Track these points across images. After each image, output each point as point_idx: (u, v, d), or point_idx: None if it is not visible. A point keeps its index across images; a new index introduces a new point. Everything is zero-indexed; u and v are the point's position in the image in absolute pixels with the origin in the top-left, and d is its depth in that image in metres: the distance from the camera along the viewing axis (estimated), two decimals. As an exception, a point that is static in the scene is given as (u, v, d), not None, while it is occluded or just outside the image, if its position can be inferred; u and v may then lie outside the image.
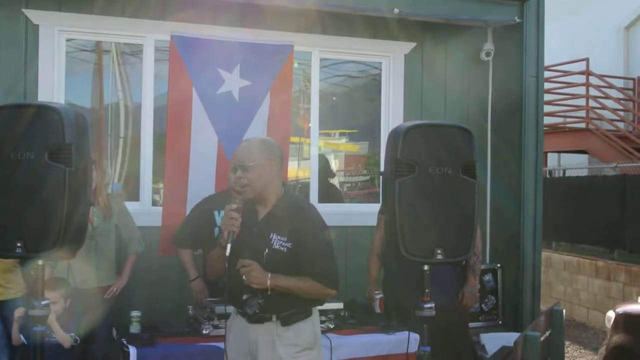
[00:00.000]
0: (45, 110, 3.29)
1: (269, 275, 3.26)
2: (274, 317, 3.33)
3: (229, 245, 3.23)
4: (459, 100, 6.31)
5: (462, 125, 3.63)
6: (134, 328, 4.12)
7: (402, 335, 4.25)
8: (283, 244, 3.33)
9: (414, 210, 3.55)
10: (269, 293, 3.27)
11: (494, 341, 5.56)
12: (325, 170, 6.63)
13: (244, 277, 3.26)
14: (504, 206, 6.29)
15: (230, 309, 3.53)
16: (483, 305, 6.20)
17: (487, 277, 6.23)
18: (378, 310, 4.80)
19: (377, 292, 4.86)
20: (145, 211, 5.38)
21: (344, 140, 7.69)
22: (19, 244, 3.25)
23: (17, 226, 3.25)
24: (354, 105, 6.98)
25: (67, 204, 3.23)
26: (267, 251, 3.34)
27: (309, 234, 3.35)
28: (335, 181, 7.19)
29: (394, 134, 3.63)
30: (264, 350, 3.34)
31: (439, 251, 3.57)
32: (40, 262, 3.39)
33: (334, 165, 7.52)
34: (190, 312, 4.40)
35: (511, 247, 6.18)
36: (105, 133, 5.85)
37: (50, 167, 3.23)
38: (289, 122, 5.55)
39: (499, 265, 6.26)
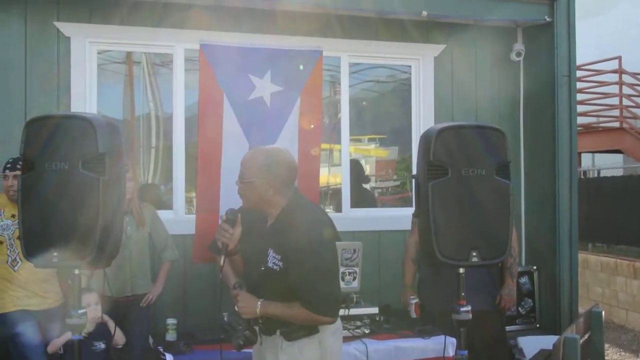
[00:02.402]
0: (78, 120, 3.32)
1: (259, 303, 3.15)
2: (278, 332, 3.22)
3: (222, 257, 3.18)
4: (490, 101, 6.26)
5: (494, 125, 3.59)
6: (170, 336, 4.14)
7: (439, 339, 4.22)
8: (277, 262, 3.16)
9: (448, 213, 3.51)
10: (260, 322, 3.19)
11: (531, 344, 5.48)
12: (358, 176, 6.61)
13: (236, 307, 3.17)
14: (538, 207, 6.22)
15: None
16: (520, 308, 6.12)
17: (524, 279, 6.16)
18: (414, 315, 4.76)
19: (412, 297, 4.83)
20: (178, 219, 5.40)
21: (373, 145, 7.66)
22: (55, 254, 3.27)
23: (53, 236, 3.28)
24: (384, 110, 6.96)
25: (102, 214, 3.24)
26: (262, 268, 3.20)
27: (299, 255, 3.10)
28: (367, 186, 7.16)
29: (426, 137, 3.60)
30: None
31: (474, 253, 3.53)
32: (76, 271, 3.44)
33: (367, 170, 7.50)
34: (225, 318, 4.39)
35: (547, 248, 6.09)
36: (137, 143, 5.90)
37: (84, 177, 3.25)
38: (319, 128, 5.53)
39: (535, 267, 6.19)
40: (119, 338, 4.19)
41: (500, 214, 3.58)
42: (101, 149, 3.26)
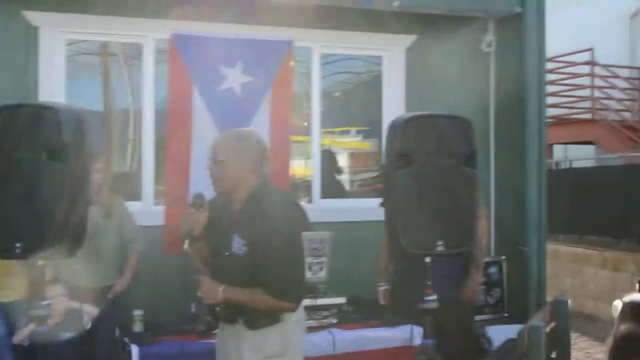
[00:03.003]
0: (42, 109, 3.29)
1: (221, 289, 3.11)
2: (240, 320, 3.19)
3: (186, 241, 3.18)
4: (460, 93, 6.27)
5: (460, 115, 3.61)
6: (137, 327, 4.13)
7: (406, 328, 4.25)
8: (241, 247, 3.14)
9: (414, 203, 3.53)
10: (221, 307, 3.16)
11: (499, 333, 5.51)
12: (331, 166, 6.61)
13: (198, 293, 3.15)
14: (507, 198, 6.27)
15: None
16: (488, 298, 6.16)
17: (493, 269, 6.20)
18: (382, 302, 4.78)
19: (382, 284, 4.84)
20: (147, 210, 5.38)
21: (351, 137, 7.65)
22: (18, 245, 3.23)
23: (16, 227, 3.24)
24: (361, 102, 6.96)
25: (66, 204, 3.22)
26: (227, 254, 3.19)
27: (264, 237, 3.10)
28: (342, 178, 7.16)
29: (392, 127, 3.62)
30: (233, 353, 3.24)
31: (440, 243, 3.55)
32: (40, 262, 3.41)
33: (342, 162, 7.47)
34: (192, 309, 4.39)
35: (515, 239, 6.14)
36: (111, 135, 5.84)
37: (48, 167, 3.22)
38: (290, 119, 5.53)
39: (504, 257, 6.23)
40: (90, 309, 4.15)
41: (466, 204, 3.61)
42: (66, 138, 3.23)
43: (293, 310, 3.21)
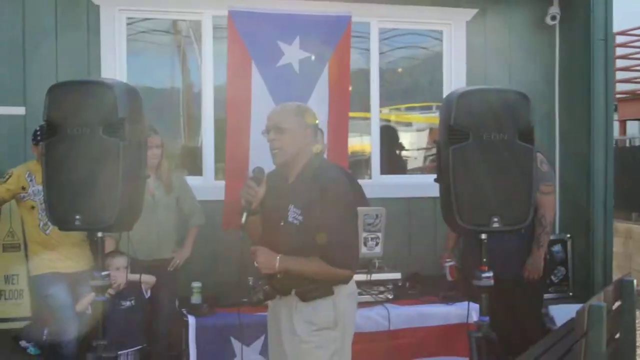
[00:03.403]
0: (98, 85, 3.36)
1: (278, 258, 3.14)
2: (292, 291, 3.21)
3: (244, 214, 3.18)
4: (524, 67, 6.13)
5: (517, 89, 3.52)
6: (195, 298, 4.19)
7: (463, 305, 4.19)
8: (297, 216, 3.18)
9: (469, 178, 3.47)
10: (278, 277, 3.17)
11: (563, 313, 5.42)
12: (391, 142, 6.56)
13: (255, 263, 3.16)
14: (573, 175, 6.10)
15: None
16: (552, 277, 6.05)
17: (557, 247, 6.07)
18: (449, 278, 4.73)
19: (448, 259, 4.78)
20: (208, 185, 5.45)
21: (414, 113, 7.56)
22: (77, 217, 3.34)
23: (75, 200, 3.34)
24: (422, 78, 6.85)
25: (122, 178, 3.30)
26: (282, 223, 3.22)
27: (320, 207, 3.14)
28: (404, 154, 7.09)
29: (447, 101, 3.56)
30: (285, 324, 3.27)
31: (495, 219, 3.49)
32: (99, 234, 3.50)
33: (405, 138, 7.39)
34: (250, 283, 4.44)
35: (581, 217, 5.98)
36: (177, 112, 5.94)
37: (105, 142, 3.30)
38: (347, 94, 5.49)
39: (568, 235, 6.09)
40: (148, 279, 4.27)
41: (523, 180, 3.53)
42: (120, 114, 3.30)
43: (349, 278, 3.25)
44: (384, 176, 5.92)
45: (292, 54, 5.33)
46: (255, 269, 3.23)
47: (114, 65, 5.29)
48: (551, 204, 4.69)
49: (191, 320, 3.90)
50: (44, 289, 4.39)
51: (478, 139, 3.45)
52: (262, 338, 3.97)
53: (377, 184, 5.83)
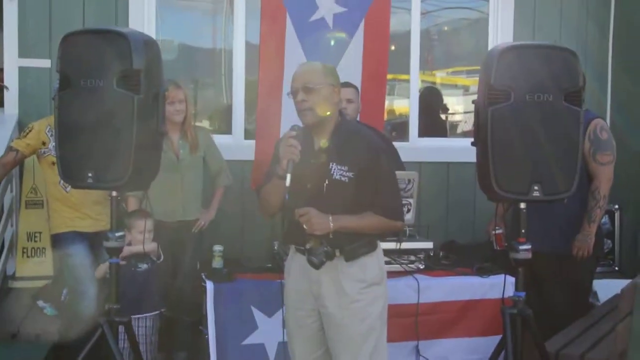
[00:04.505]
0: (112, 35, 3.18)
1: (331, 218, 3.03)
2: (337, 252, 3.09)
3: (288, 176, 2.97)
4: (576, 22, 5.74)
5: (564, 46, 3.23)
6: (216, 263, 4.03)
7: (498, 278, 3.92)
8: (344, 173, 3.10)
9: (509, 142, 3.23)
10: (331, 237, 3.04)
11: (607, 288, 5.11)
12: (433, 104, 6.28)
13: (304, 226, 3.02)
14: (625, 140, 5.70)
15: None
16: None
17: (604, 219, 5.72)
18: (496, 247, 4.45)
19: (497, 228, 4.48)
20: (237, 144, 5.27)
21: (459, 76, 7.25)
22: (89, 174, 3.19)
23: (87, 156, 3.19)
24: (468, 39, 6.52)
25: (136, 133, 3.13)
26: (327, 182, 3.10)
27: (371, 162, 3.12)
28: (446, 117, 6.80)
29: (488, 58, 3.30)
30: (328, 288, 3.14)
31: (535, 187, 3.23)
32: (114, 193, 3.34)
33: (449, 101, 7.09)
34: (274, 247, 4.27)
35: (631, 186, 5.62)
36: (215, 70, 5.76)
37: (118, 95, 3.13)
38: (385, 53, 5.20)
39: (616, 206, 5.74)
40: (153, 249, 4.13)
41: (568, 145, 3.25)
42: (136, 65, 3.12)
43: (400, 229, 3.37)
44: (422, 139, 5.65)
45: (327, 7, 5.06)
46: (298, 231, 3.06)
47: (142, 17, 5.08)
48: (607, 175, 4.33)
49: (209, 285, 3.73)
50: (63, 248, 4.27)
51: (520, 100, 3.20)
52: (284, 308, 3.78)
53: (414, 146, 5.57)
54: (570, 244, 4.23)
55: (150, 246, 4.06)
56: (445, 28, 6.44)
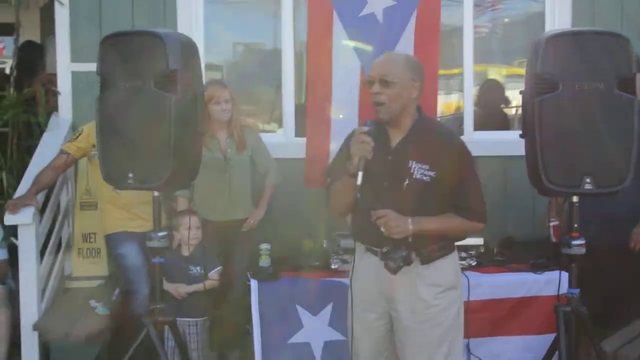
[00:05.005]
0: (149, 36, 3.20)
1: (410, 220, 2.89)
2: (412, 255, 2.95)
3: (360, 174, 2.85)
4: (638, 11, 5.46)
5: (615, 31, 3.07)
6: (263, 261, 4.00)
7: (554, 275, 3.77)
8: (425, 172, 2.95)
9: (558, 133, 3.10)
10: (410, 240, 2.91)
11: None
12: (494, 96, 6.11)
13: (382, 229, 2.89)
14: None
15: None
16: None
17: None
18: (553, 239, 4.29)
19: (552, 219, 4.32)
20: (288, 142, 5.23)
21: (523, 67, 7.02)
22: (130, 175, 3.22)
23: (128, 157, 3.21)
24: (525, 32, 6.29)
25: (174, 133, 3.12)
26: (407, 181, 2.96)
27: (455, 162, 3.00)
28: (507, 110, 6.60)
29: (534, 45, 3.17)
30: (402, 291, 3.01)
31: (587, 180, 3.10)
32: (155, 193, 3.35)
33: (511, 95, 6.89)
34: (324, 245, 4.21)
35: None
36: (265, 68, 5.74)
37: (156, 95, 3.14)
38: (436, 48, 5.07)
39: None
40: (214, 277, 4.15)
41: (621, 135, 3.09)
42: (172, 65, 3.12)
43: (482, 229, 3.16)
44: (478, 132, 5.48)
45: (376, 2, 4.97)
46: (372, 230, 2.95)
47: (190, 18, 5.09)
48: None
49: (253, 284, 3.70)
50: (115, 248, 4.32)
51: (569, 89, 3.07)
52: (330, 307, 3.73)
53: (469, 140, 5.36)
54: (627, 237, 4.03)
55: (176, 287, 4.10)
56: (505, 20, 6.23)
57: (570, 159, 3.09)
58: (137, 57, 3.18)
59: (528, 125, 3.18)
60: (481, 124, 5.59)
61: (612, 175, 3.10)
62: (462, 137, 5.26)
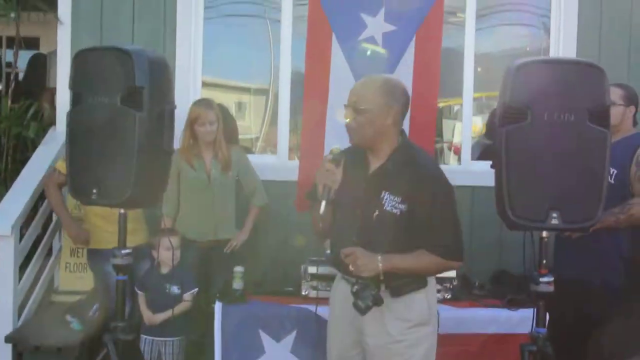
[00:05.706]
0: (118, 52, 3.18)
1: (379, 258, 2.80)
2: (382, 286, 2.88)
3: (323, 202, 2.82)
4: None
5: (589, 61, 2.97)
6: (237, 284, 3.95)
7: (528, 312, 3.64)
8: (396, 204, 2.86)
9: (525, 165, 2.98)
10: (382, 278, 2.84)
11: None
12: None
13: (350, 267, 2.82)
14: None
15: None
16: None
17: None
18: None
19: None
20: (281, 165, 5.20)
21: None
22: (94, 191, 3.20)
23: (92, 172, 3.20)
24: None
25: (138, 150, 3.10)
26: (376, 212, 2.88)
27: (428, 195, 2.86)
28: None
29: (505, 74, 3.06)
30: (370, 324, 2.95)
31: (554, 215, 2.97)
32: (122, 210, 3.33)
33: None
34: (302, 270, 4.14)
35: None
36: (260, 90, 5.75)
37: (122, 112, 3.12)
38: (436, 73, 5.00)
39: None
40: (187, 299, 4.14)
41: (592, 169, 2.97)
42: (139, 82, 3.11)
43: (457, 268, 3.10)
44: (475, 162, 5.39)
45: (376, 26, 4.94)
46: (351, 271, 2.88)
47: (189, 34, 5.13)
48: None
49: (217, 306, 3.66)
50: (104, 264, 4.29)
51: (538, 119, 2.95)
52: (294, 334, 3.65)
53: (466, 170, 5.31)
54: (609, 276, 3.90)
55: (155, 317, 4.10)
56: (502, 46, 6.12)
57: (536, 193, 2.97)
58: (105, 73, 3.18)
59: (496, 155, 3.08)
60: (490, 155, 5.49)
61: (582, 211, 2.97)
62: (459, 167, 5.35)
